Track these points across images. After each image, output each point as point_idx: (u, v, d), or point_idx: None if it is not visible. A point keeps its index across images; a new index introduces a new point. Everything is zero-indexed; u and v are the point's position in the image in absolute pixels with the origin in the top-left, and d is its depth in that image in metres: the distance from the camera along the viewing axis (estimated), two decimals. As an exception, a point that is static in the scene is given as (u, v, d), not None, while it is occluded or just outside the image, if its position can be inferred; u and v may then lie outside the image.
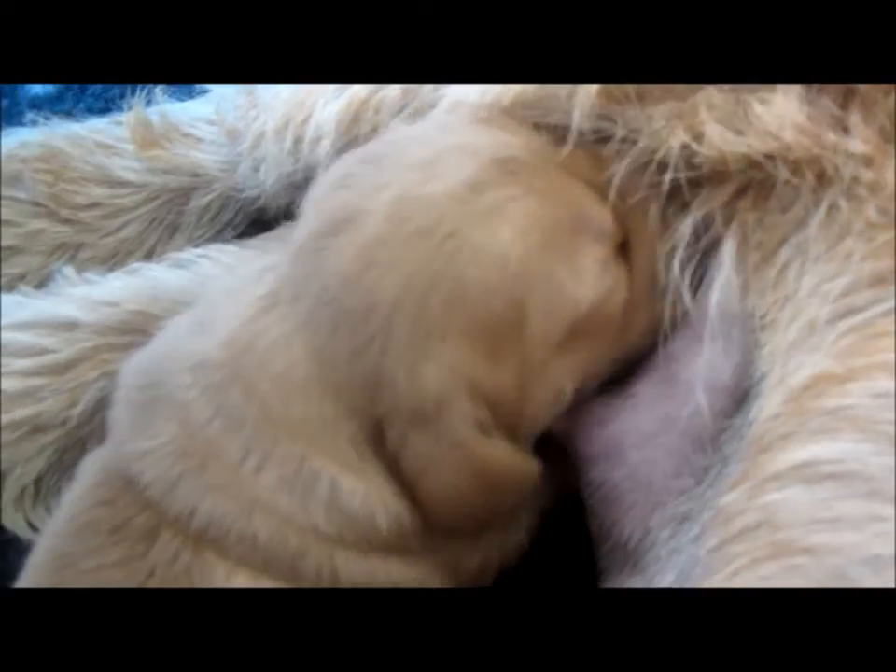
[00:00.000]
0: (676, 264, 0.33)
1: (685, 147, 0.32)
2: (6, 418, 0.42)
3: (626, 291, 0.33)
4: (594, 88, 0.33)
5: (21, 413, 0.42)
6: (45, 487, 0.43)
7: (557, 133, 0.34)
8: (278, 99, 0.43)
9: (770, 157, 0.31)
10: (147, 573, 0.32)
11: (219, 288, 0.37)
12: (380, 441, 0.32)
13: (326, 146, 0.40)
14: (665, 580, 0.32)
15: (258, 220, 0.50)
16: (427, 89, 0.38)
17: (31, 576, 0.34)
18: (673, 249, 0.33)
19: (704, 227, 0.33)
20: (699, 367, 0.32)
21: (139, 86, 0.49)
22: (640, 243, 0.34)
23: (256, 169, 0.45)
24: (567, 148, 0.33)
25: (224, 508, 0.32)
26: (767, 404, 0.30)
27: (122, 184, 0.49)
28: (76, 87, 0.57)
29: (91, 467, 0.35)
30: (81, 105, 0.56)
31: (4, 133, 0.50)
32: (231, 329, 0.34)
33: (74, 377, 0.42)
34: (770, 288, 0.32)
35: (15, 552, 0.42)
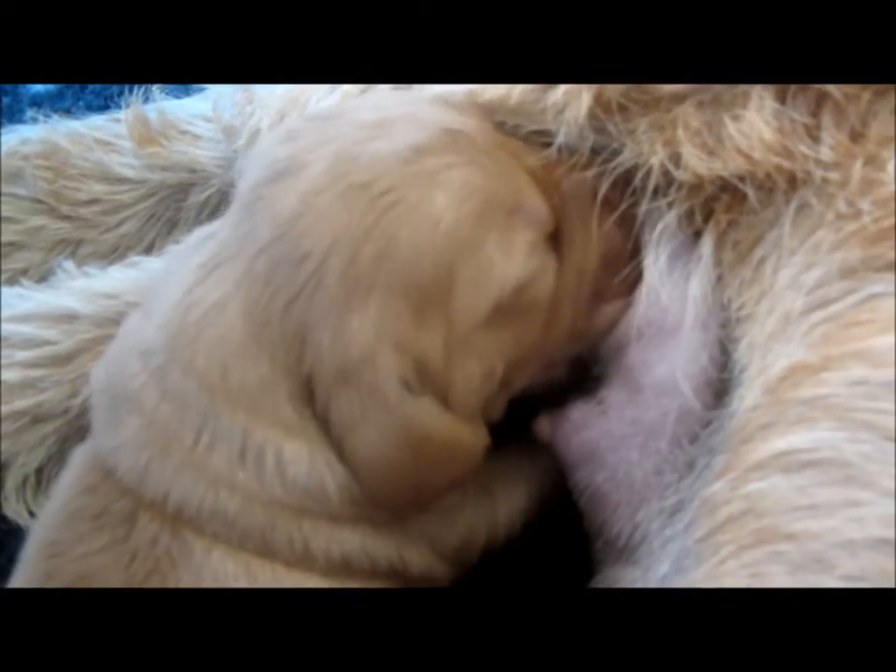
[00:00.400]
0: (650, 262, 0.34)
1: (663, 166, 0.33)
2: (7, 408, 0.43)
3: (554, 281, 0.34)
4: (583, 101, 0.33)
5: (22, 403, 0.43)
6: (46, 477, 0.44)
7: (535, 140, 0.35)
8: (273, 96, 0.44)
9: (741, 177, 0.32)
10: (131, 556, 0.32)
11: (163, 272, 0.38)
12: (312, 402, 0.32)
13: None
14: (661, 569, 0.33)
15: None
16: (416, 86, 0.38)
17: (24, 568, 0.35)
18: (648, 246, 0.34)
19: (679, 225, 0.34)
20: (673, 363, 0.33)
21: (137, 84, 0.50)
22: (573, 240, 0.35)
23: (252, 165, 0.46)
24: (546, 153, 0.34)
25: (193, 487, 0.33)
26: (747, 395, 0.31)
27: (121, 180, 0.50)
28: (76, 85, 0.58)
29: (77, 458, 0.36)
30: (81, 103, 0.57)
31: (5, 130, 0.51)
32: (168, 307, 0.34)
33: (74, 368, 0.43)
34: (747, 284, 0.33)
35: (17, 541, 0.43)
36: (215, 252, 0.34)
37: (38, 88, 0.58)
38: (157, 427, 0.33)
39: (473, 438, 0.34)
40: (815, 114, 0.32)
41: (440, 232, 0.31)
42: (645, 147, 0.33)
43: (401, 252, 0.31)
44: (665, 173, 0.33)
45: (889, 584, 0.25)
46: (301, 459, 0.33)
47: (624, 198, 0.35)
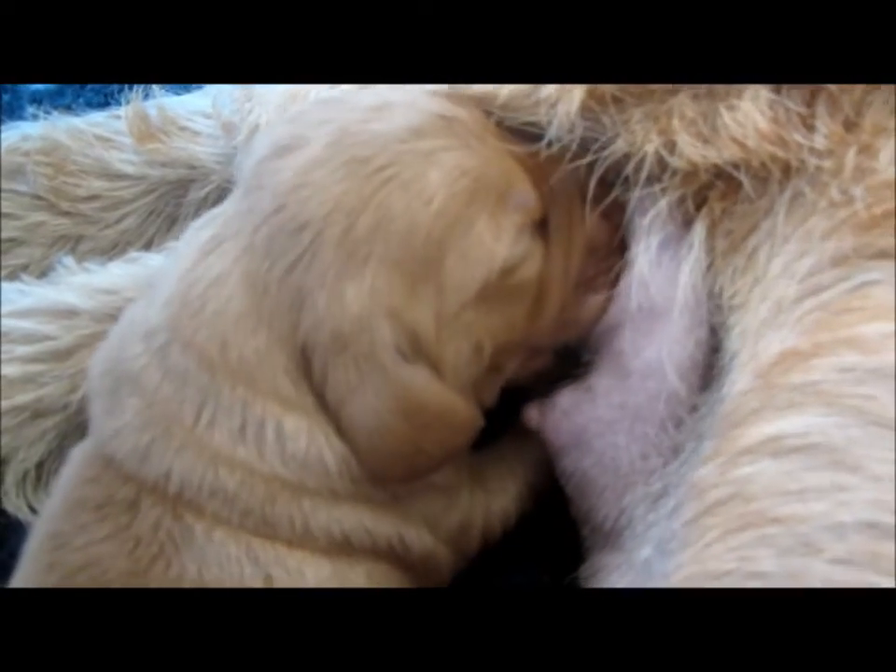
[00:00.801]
0: (640, 249, 0.34)
1: (657, 154, 0.33)
2: (8, 403, 0.43)
3: (540, 267, 0.35)
4: (576, 94, 0.34)
5: (22, 398, 0.43)
6: (46, 472, 0.45)
7: (524, 133, 0.35)
8: (272, 92, 0.44)
9: (736, 165, 0.32)
10: (135, 542, 0.33)
11: (168, 257, 0.39)
12: (309, 374, 0.33)
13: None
14: (643, 553, 0.34)
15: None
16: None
17: (27, 561, 0.35)
18: (639, 233, 0.34)
19: (671, 213, 0.34)
20: (660, 348, 0.33)
21: (137, 84, 0.50)
22: (559, 229, 0.36)
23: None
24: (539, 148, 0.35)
25: (192, 466, 0.33)
26: (738, 380, 0.31)
27: (121, 176, 0.51)
28: (76, 83, 0.58)
29: (77, 454, 0.37)
30: (81, 100, 0.58)
31: (5, 127, 0.51)
32: (171, 286, 0.35)
33: (74, 363, 0.43)
34: (740, 272, 0.33)
35: (17, 536, 0.43)
36: (217, 230, 0.35)
37: (38, 85, 0.58)
38: (158, 407, 0.34)
39: (469, 411, 0.34)
40: (809, 104, 0.32)
41: (432, 209, 0.32)
42: (639, 137, 0.33)
43: (396, 225, 0.32)
44: (660, 160, 0.33)
45: (876, 568, 0.25)
46: (300, 434, 0.33)
47: (612, 190, 0.35)
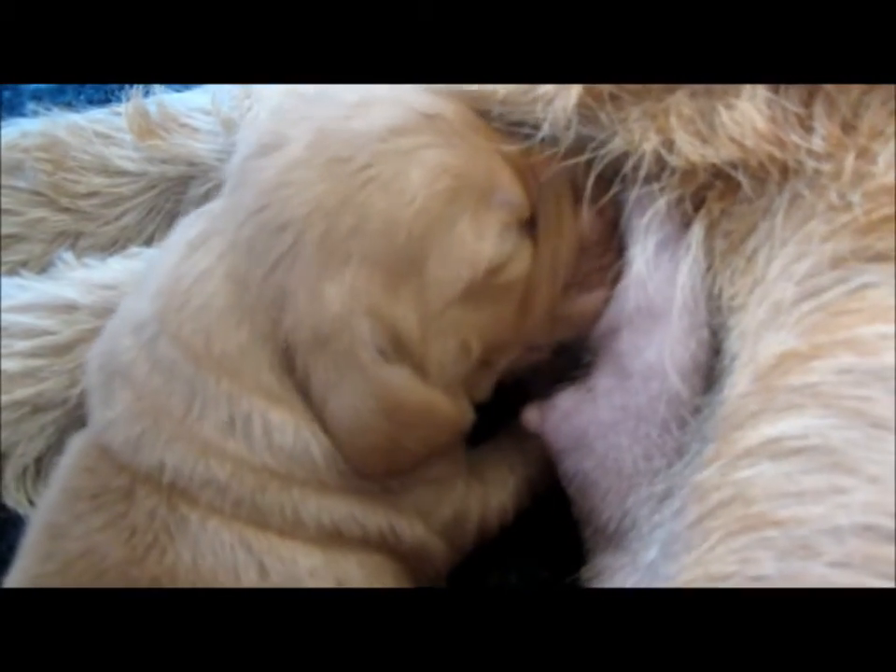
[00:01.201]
0: (638, 250, 0.34)
1: (655, 152, 0.33)
2: (7, 398, 0.43)
3: (528, 266, 0.35)
4: (573, 91, 0.34)
5: (22, 392, 0.43)
6: (45, 466, 0.45)
7: (519, 131, 0.35)
8: (271, 89, 0.44)
9: (734, 165, 0.32)
10: (131, 531, 0.33)
11: (158, 252, 0.39)
12: (292, 370, 0.33)
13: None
14: (648, 555, 0.34)
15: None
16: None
17: (26, 550, 0.36)
18: (637, 233, 0.34)
19: (669, 213, 0.34)
20: (661, 349, 0.33)
21: (137, 84, 0.50)
22: (549, 227, 0.35)
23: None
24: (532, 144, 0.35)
25: (183, 457, 0.33)
26: (738, 383, 0.31)
27: (121, 173, 0.51)
28: (76, 78, 0.58)
29: (75, 445, 0.37)
30: (82, 97, 0.57)
31: (6, 123, 0.51)
32: (159, 281, 0.35)
33: (73, 358, 0.43)
34: (739, 273, 0.33)
35: (16, 529, 0.43)
36: (205, 226, 0.35)
37: (39, 82, 0.58)
38: (148, 398, 0.34)
39: (452, 408, 0.35)
40: (807, 104, 0.32)
41: (412, 208, 0.32)
42: (637, 135, 0.33)
43: (376, 224, 0.32)
44: (658, 159, 0.33)
45: (874, 571, 0.25)
46: (287, 427, 0.33)
47: (609, 189, 0.35)
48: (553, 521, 0.40)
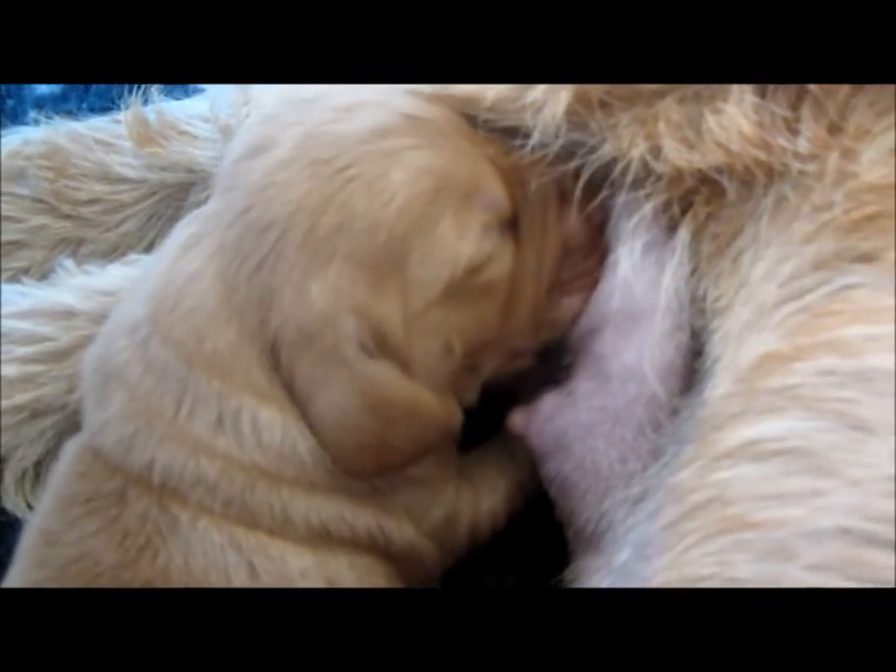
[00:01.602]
0: (624, 252, 0.34)
1: (642, 159, 0.33)
2: (7, 403, 0.44)
3: (510, 267, 0.35)
4: (562, 98, 0.34)
5: (21, 398, 0.44)
6: (44, 470, 0.45)
7: (507, 136, 0.35)
8: (268, 96, 0.45)
9: (720, 170, 0.32)
10: (123, 535, 0.34)
11: (153, 256, 0.40)
12: (279, 368, 0.34)
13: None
14: (621, 557, 0.34)
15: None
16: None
17: (21, 556, 0.36)
18: (623, 237, 0.34)
19: (655, 217, 0.34)
20: (639, 351, 0.33)
21: (138, 85, 0.51)
22: (532, 229, 0.36)
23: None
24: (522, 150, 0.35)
25: (174, 456, 0.34)
26: (719, 384, 0.31)
27: (122, 180, 0.51)
28: (80, 86, 0.59)
29: (69, 450, 0.37)
30: (84, 105, 0.58)
31: (8, 131, 0.52)
32: (152, 283, 0.36)
33: (72, 364, 0.44)
34: (725, 276, 0.33)
35: (15, 533, 0.43)
36: (198, 228, 0.36)
37: (42, 89, 0.59)
38: (140, 400, 0.34)
39: (438, 405, 0.35)
40: (795, 107, 0.32)
41: (393, 208, 0.33)
42: (625, 141, 0.33)
43: (358, 224, 0.33)
44: (645, 165, 0.34)
45: (851, 574, 0.25)
46: (275, 425, 0.34)
47: (596, 193, 0.35)
48: (547, 522, 0.40)
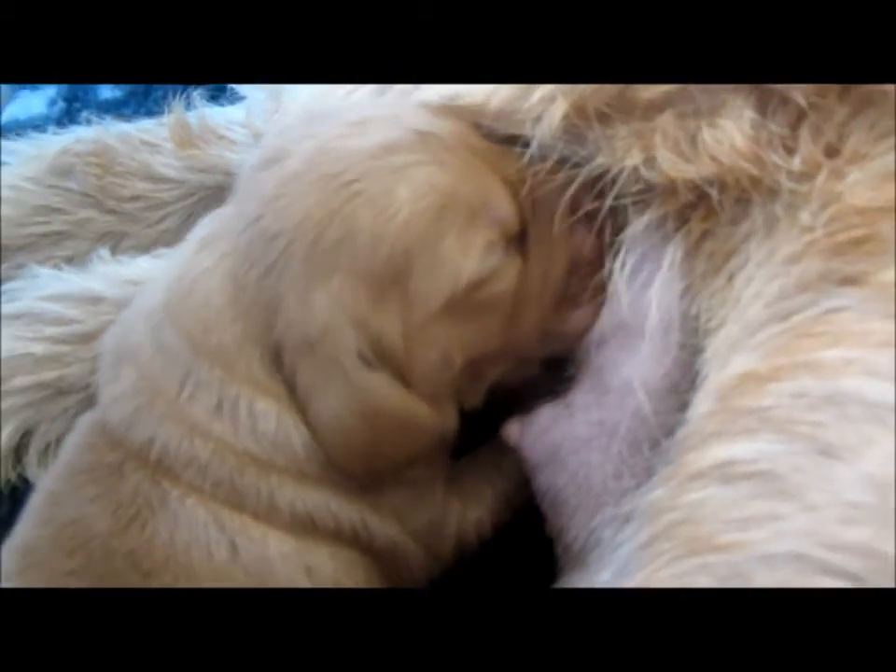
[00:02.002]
0: (617, 267, 0.34)
1: (636, 170, 0.33)
2: (34, 379, 0.46)
3: (516, 282, 0.35)
4: (559, 109, 0.34)
5: (48, 375, 0.46)
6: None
7: (513, 144, 0.36)
8: (296, 102, 0.46)
9: (710, 182, 0.32)
10: (117, 504, 0.35)
11: (177, 250, 0.41)
12: (281, 367, 0.35)
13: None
14: (603, 577, 0.33)
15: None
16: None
17: (27, 514, 0.38)
18: (614, 254, 0.34)
19: (649, 232, 0.34)
20: (635, 366, 0.33)
21: (180, 90, 0.54)
22: (540, 243, 0.36)
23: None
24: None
25: (171, 435, 0.35)
26: (701, 403, 0.30)
27: (163, 180, 0.54)
28: (140, 93, 0.63)
29: (83, 423, 0.39)
30: (143, 110, 0.62)
31: (65, 130, 0.55)
32: (171, 274, 0.38)
33: (96, 347, 0.46)
34: (719, 294, 0.32)
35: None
36: (214, 229, 0.38)
37: (106, 94, 0.63)
38: (148, 378, 0.36)
39: (432, 417, 0.35)
40: (794, 127, 0.31)
41: (397, 223, 0.33)
42: (619, 153, 0.33)
43: (361, 238, 0.33)
44: (638, 178, 0.33)
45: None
46: (270, 415, 0.35)
47: (602, 207, 0.35)
48: (537, 533, 0.39)
